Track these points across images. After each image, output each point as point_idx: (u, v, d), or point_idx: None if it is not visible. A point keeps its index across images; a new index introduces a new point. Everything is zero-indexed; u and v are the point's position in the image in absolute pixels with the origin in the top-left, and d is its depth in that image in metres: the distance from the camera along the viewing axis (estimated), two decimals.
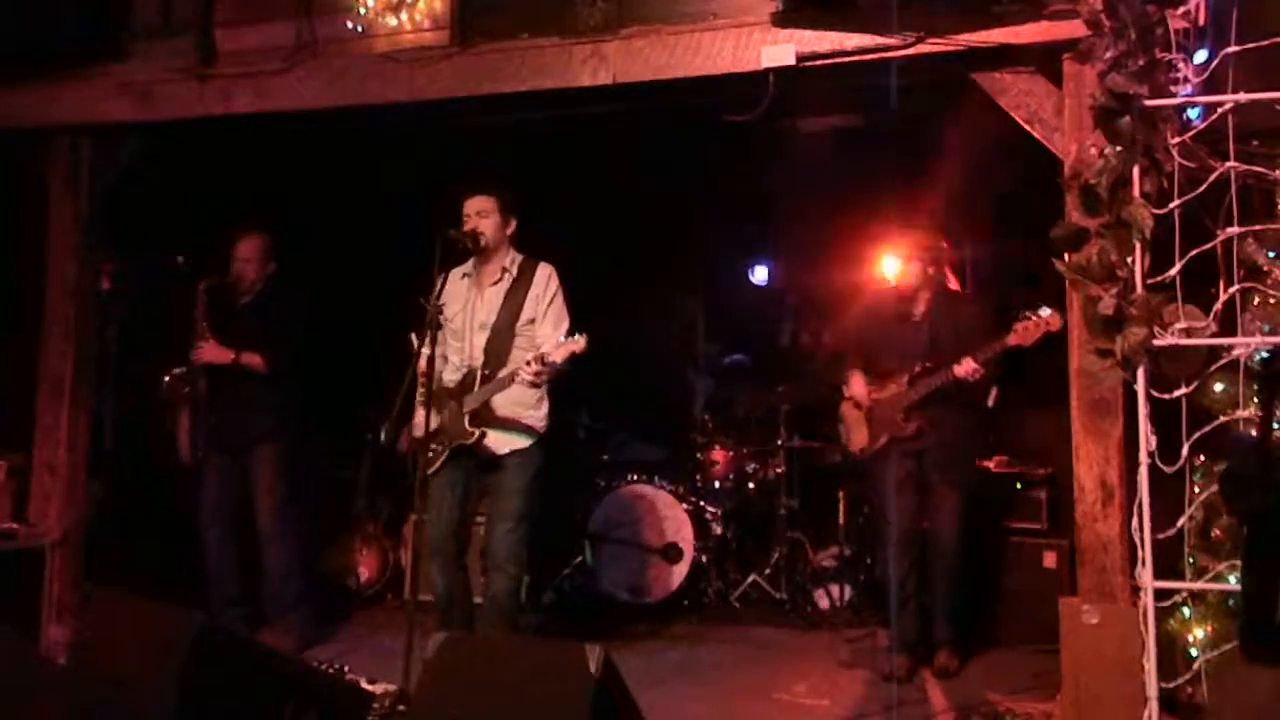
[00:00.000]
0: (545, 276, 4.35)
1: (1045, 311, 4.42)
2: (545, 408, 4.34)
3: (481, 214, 4.32)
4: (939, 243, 5.04)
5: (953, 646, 4.83)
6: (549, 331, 4.25)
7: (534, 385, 4.15)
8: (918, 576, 4.89)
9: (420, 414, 4.24)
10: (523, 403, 4.28)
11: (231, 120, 4.79)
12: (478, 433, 4.23)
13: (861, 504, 5.78)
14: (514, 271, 4.37)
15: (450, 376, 4.38)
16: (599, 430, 6.56)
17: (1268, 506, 2.88)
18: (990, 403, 5.02)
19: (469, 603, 4.48)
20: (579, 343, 3.97)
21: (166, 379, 5.07)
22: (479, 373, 4.26)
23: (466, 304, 4.38)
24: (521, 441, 4.30)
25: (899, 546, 4.92)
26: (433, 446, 4.22)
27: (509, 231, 4.41)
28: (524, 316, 4.30)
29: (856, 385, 5.02)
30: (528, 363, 4.04)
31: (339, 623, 5.44)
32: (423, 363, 4.03)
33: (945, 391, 4.75)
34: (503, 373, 4.22)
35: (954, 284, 5.16)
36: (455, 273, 4.45)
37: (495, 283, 4.37)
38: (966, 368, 4.63)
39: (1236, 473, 3.04)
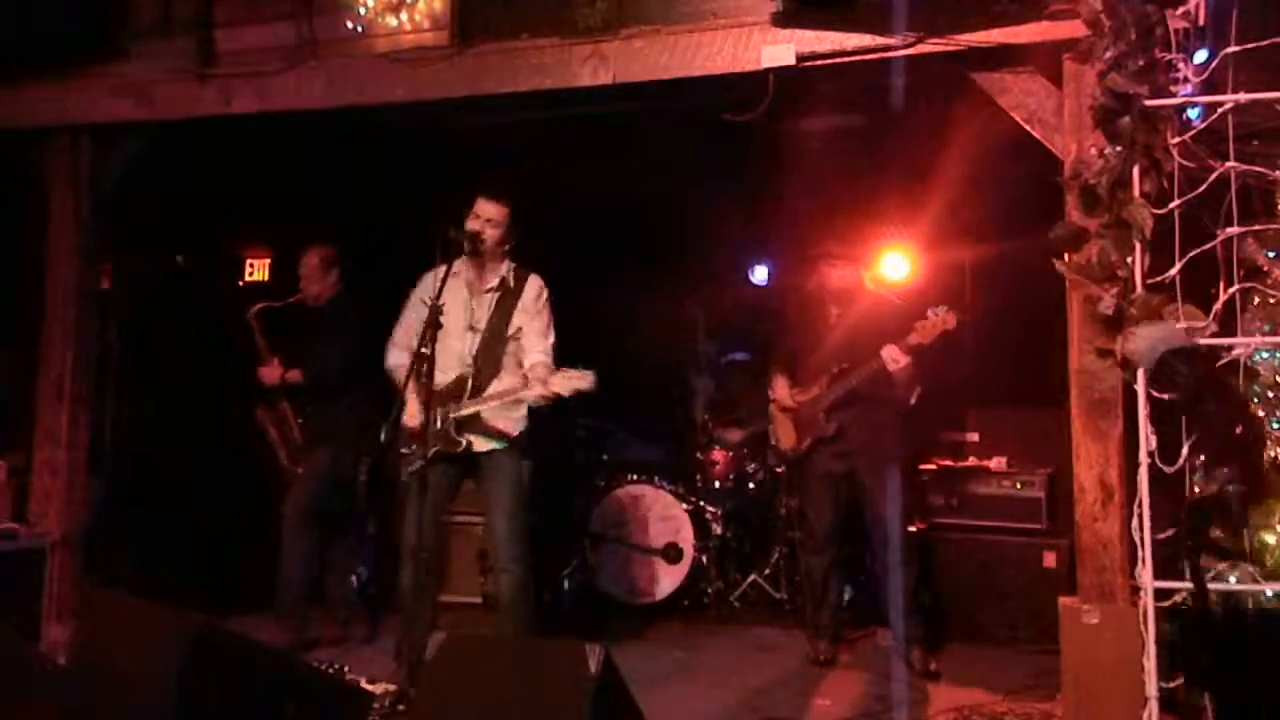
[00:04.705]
0: (535, 289, 4.39)
1: (940, 310, 4.59)
2: (524, 410, 4.36)
3: (492, 222, 4.30)
4: (867, 244, 5.17)
5: (924, 644, 4.82)
6: (534, 341, 4.32)
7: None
8: (836, 573, 5.04)
9: (410, 410, 4.21)
10: (504, 409, 4.31)
11: (231, 120, 4.79)
12: (465, 442, 4.27)
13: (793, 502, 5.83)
14: (510, 281, 4.40)
15: (440, 379, 4.24)
16: (599, 430, 6.55)
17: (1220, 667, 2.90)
18: (913, 401, 5.03)
19: (435, 602, 4.58)
20: (587, 379, 4.02)
21: (258, 411, 5.26)
22: (469, 381, 4.29)
23: (463, 307, 4.35)
24: (500, 443, 4.33)
25: (819, 543, 5.03)
26: (411, 447, 4.16)
27: (509, 244, 4.41)
28: (513, 325, 4.35)
29: (779, 389, 5.15)
30: (535, 388, 4.09)
31: (340, 623, 5.43)
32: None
33: (865, 390, 4.82)
34: (495, 386, 4.28)
35: (882, 285, 5.24)
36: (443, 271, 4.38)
37: (489, 290, 4.38)
38: (890, 353, 4.69)
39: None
